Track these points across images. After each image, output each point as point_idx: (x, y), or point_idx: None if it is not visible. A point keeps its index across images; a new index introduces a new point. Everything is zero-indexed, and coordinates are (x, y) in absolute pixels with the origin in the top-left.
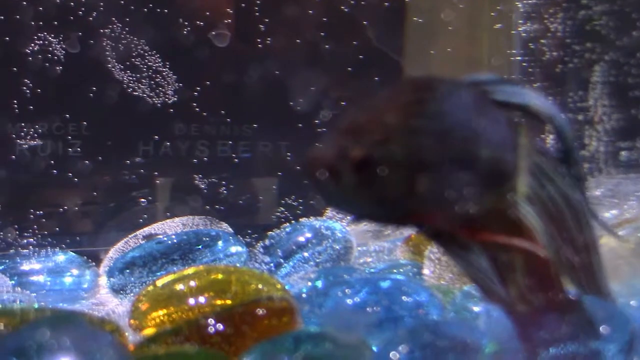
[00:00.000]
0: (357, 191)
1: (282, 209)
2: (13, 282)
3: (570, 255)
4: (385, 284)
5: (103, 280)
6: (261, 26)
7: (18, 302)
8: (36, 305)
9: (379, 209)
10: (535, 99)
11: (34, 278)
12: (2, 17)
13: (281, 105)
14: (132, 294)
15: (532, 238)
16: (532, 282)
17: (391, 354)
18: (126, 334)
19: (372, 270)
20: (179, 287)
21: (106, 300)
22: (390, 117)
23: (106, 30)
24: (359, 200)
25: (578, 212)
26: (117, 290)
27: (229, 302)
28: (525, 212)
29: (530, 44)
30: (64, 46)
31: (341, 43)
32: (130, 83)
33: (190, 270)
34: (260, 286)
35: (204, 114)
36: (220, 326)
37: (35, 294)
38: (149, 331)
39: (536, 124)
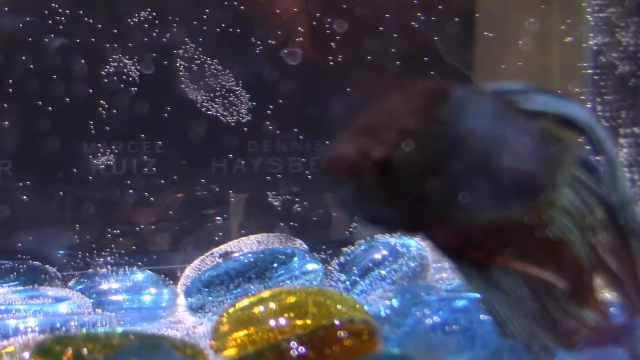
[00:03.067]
0: (374, 192)
1: (356, 224)
2: (92, 301)
3: (616, 266)
4: (462, 303)
5: (180, 299)
6: (332, 44)
7: (100, 325)
8: (119, 330)
9: (393, 212)
10: (571, 108)
11: (113, 297)
12: (78, 40)
13: (352, 121)
14: (210, 313)
15: (566, 253)
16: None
17: None
18: (208, 356)
19: (449, 287)
20: (260, 308)
21: (184, 319)
22: (408, 119)
23: (180, 51)
24: (375, 201)
25: (621, 223)
26: (195, 309)
27: (309, 321)
28: (562, 226)
29: (601, 57)
30: (138, 67)
31: (412, 59)
32: (204, 102)
33: (269, 292)
34: (339, 307)
35: (277, 131)
36: (302, 349)
37: (114, 313)
38: (230, 352)
39: (574, 134)
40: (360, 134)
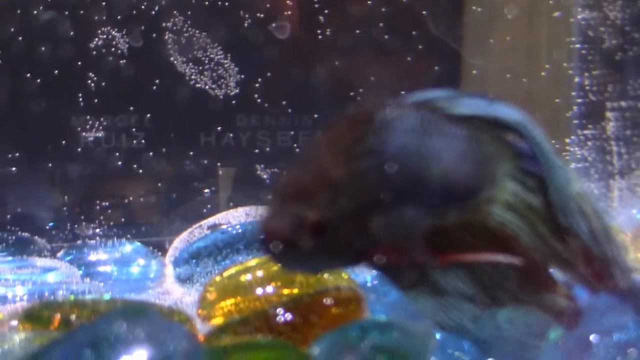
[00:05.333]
0: (315, 252)
1: None
2: (81, 272)
3: (573, 254)
4: None
5: (169, 270)
6: (321, 17)
7: (88, 294)
8: (107, 296)
9: (338, 260)
10: (501, 110)
11: (102, 268)
12: (67, 12)
13: (341, 95)
14: (198, 284)
15: (513, 245)
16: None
17: None
18: (195, 324)
19: None
20: (246, 277)
21: (172, 290)
22: (331, 169)
23: (168, 24)
24: (319, 257)
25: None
26: (183, 280)
27: (296, 291)
28: (504, 220)
29: (589, 32)
30: (127, 40)
31: (401, 33)
32: (193, 75)
33: (256, 261)
34: (326, 276)
35: (265, 104)
36: (288, 316)
37: (102, 284)
38: (217, 321)
39: (508, 136)
40: (289, 199)
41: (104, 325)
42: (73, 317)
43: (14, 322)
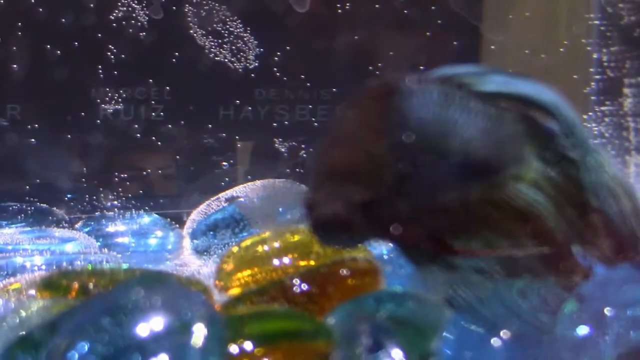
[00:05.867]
0: (364, 230)
1: None
2: (99, 243)
3: (600, 235)
4: None
5: (186, 242)
6: None
7: (105, 263)
8: (125, 266)
9: (378, 235)
10: (531, 88)
11: (119, 240)
12: None
13: (360, 69)
14: (215, 256)
15: (537, 225)
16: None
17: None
18: (212, 294)
19: None
20: (263, 248)
21: (190, 262)
22: (371, 145)
23: None
24: (364, 236)
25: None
26: (200, 252)
27: (312, 263)
28: (529, 199)
29: (608, 8)
30: (147, 12)
31: (420, 7)
32: (212, 48)
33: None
34: None
35: (284, 78)
36: (305, 286)
37: (120, 255)
38: (234, 291)
39: (538, 114)
40: (335, 180)
41: (122, 293)
42: (91, 285)
43: (33, 291)
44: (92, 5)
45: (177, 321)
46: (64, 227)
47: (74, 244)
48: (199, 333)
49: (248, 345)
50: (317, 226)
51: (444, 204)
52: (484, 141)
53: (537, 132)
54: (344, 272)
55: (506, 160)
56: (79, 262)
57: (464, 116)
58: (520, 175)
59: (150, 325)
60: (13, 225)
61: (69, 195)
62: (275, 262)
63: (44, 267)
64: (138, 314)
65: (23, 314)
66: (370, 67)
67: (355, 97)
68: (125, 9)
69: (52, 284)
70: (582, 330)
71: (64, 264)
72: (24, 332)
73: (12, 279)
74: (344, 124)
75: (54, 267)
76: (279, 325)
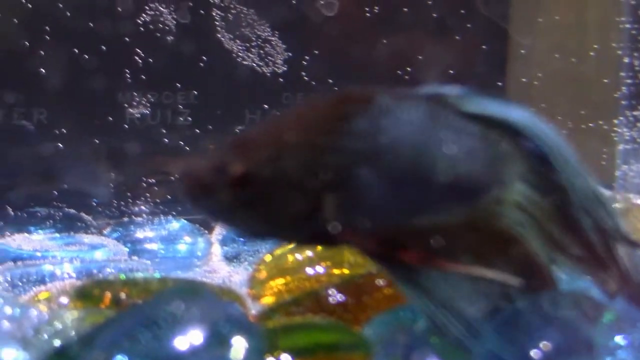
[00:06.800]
0: (239, 208)
1: None
2: (128, 249)
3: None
4: None
5: (215, 248)
6: None
7: (136, 272)
8: (158, 275)
9: (282, 230)
10: (511, 112)
11: (148, 246)
12: None
13: (387, 72)
14: (245, 262)
15: (518, 248)
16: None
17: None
18: (246, 303)
19: None
20: (296, 256)
21: (219, 268)
22: (287, 132)
23: (215, 0)
24: (248, 218)
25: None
26: (230, 259)
27: (346, 271)
28: (514, 222)
29: (639, 12)
30: (174, 16)
31: (448, 10)
32: (240, 52)
33: None
34: None
35: (312, 83)
36: (340, 297)
37: (149, 262)
38: (268, 300)
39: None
40: (231, 148)
41: (158, 305)
42: (123, 295)
43: (63, 299)
44: (120, 8)
45: (215, 334)
46: (92, 233)
47: (103, 251)
48: (239, 346)
49: (286, 358)
50: (183, 188)
51: (408, 222)
52: (469, 162)
53: (520, 154)
54: (379, 282)
55: (489, 182)
56: (108, 270)
57: (449, 136)
58: (503, 197)
59: (188, 338)
60: (41, 231)
61: (97, 201)
62: (309, 270)
63: (74, 274)
64: (175, 327)
65: (58, 325)
66: (399, 72)
67: (322, 96)
68: (153, 12)
69: (85, 294)
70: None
71: (94, 271)
72: (60, 344)
73: (42, 287)
74: (288, 114)
75: (84, 275)
76: (316, 338)
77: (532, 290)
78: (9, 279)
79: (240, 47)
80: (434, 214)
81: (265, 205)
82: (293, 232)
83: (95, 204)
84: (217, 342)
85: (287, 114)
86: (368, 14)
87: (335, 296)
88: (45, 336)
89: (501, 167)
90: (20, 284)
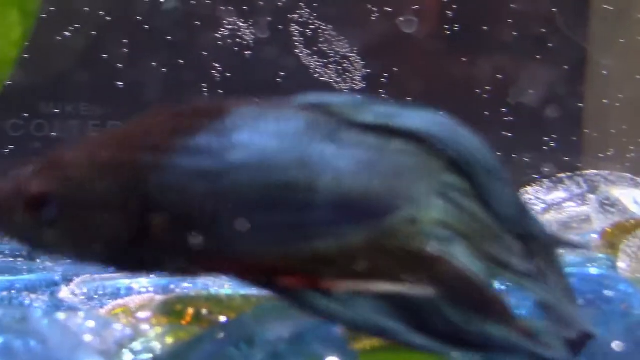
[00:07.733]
0: (37, 232)
1: None
2: None
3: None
4: (590, 273)
5: None
6: (449, 12)
7: (212, 287)
8: (242, 292)
9: (88, 252)
10: (420, 118)
11: None
12: (194, 2)
13: (462, 92)
14: None
15: (443, 268)
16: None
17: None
18: None
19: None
20: None
21: None
22: (111, 149)
23: (294, 16)
24: (50, 242)
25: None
26: None
27: None
28: (432, 240)
29: None
30: (253, 31)
31: (527, 30)
32: (317, 68)
33: None
34: None
35: (391, 100)
36: None
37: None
38: None
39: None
40: (39, 167)
41: (249, 324)
42: (205, 311)
43: (142, 314)
44: (198, 22)
45: (309, 354)
46: None
47: None
48: None
49: None
50: None
51: (273, 249)
52: (357, 178)
53: (435, 166)
54: None
55: (393, 200)
56: (184, 285)
57: (333, 150)
58: (418, 217)
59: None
60: None
61: None
62: None
63: (151, 288)
64: (263, 347)
65: (142, 340)
66: (478, 90)
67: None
68: (231, 27)
69: (168, 309)
70: None
71: (172, 286)
72: None
73: (119, 301)
74: (117, 130)
75: (161, 290)
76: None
77: (478, 314)
78: (85, 291)
79: (318, 63)
80: (321, 238)
81: (73, 227)
82: (118, 257)
83: None
84: None
85: (111, 131)
86: (448, 32)
87: None
88: (130, 351)
89: (409, 182)
90: (96, 297)
